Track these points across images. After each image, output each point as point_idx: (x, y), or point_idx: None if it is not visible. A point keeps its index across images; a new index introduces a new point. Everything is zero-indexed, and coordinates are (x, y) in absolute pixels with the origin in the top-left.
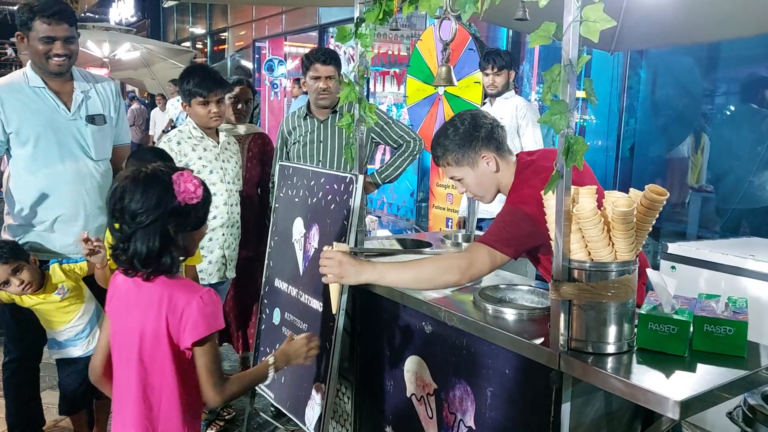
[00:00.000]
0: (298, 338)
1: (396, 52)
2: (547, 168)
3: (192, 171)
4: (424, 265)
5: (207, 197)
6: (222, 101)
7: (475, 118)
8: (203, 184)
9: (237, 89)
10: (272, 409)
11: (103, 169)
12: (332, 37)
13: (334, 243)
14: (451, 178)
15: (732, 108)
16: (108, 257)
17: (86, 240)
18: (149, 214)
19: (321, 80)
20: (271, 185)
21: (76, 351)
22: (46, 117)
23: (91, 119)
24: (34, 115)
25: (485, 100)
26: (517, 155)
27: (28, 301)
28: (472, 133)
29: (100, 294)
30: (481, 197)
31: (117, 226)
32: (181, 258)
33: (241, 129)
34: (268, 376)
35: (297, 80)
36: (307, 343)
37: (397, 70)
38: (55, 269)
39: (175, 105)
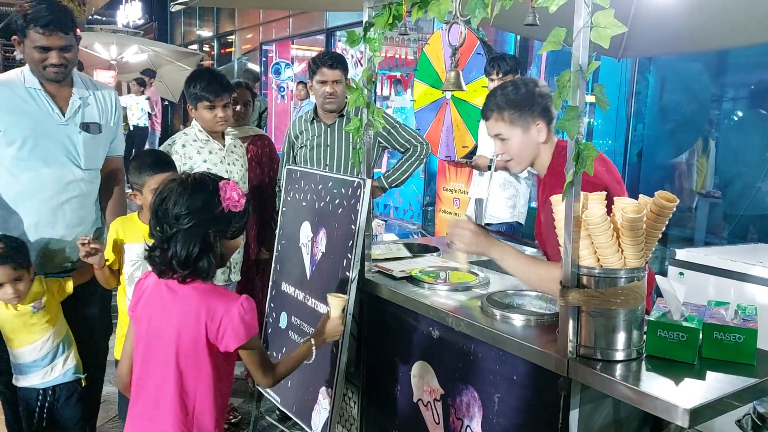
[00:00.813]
0: (332, 318)
1: (403, 56)
2: None
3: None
4: (542, 270)
5: (248, 209)
6: (228, 105)
7: (538, 85)
8: (246, 196)
9: (236, 92)
10: (277, 412)
11: (91, 178)
12: (339, 40)
13: (464, 215)
14: (496, 135)
15: (740, 114)
16: (105, 258)
17: (83, 243)
18: (193, 216)
19: (328, 84)
20: (277, 189)
21: (32, 378)
22: (36, 119)
23: (86, 127)
24: (24, 116)
25: None
26: None
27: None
28: (533, 98)
29: (78, 317)
30: (515, 164)
31: (158, 228)
32: (217, 266)
33: (243, 131)
34: (311, 355)
35: (301, 83)
36: (341, 323)
37: (404, 74)
38: (40, 279)
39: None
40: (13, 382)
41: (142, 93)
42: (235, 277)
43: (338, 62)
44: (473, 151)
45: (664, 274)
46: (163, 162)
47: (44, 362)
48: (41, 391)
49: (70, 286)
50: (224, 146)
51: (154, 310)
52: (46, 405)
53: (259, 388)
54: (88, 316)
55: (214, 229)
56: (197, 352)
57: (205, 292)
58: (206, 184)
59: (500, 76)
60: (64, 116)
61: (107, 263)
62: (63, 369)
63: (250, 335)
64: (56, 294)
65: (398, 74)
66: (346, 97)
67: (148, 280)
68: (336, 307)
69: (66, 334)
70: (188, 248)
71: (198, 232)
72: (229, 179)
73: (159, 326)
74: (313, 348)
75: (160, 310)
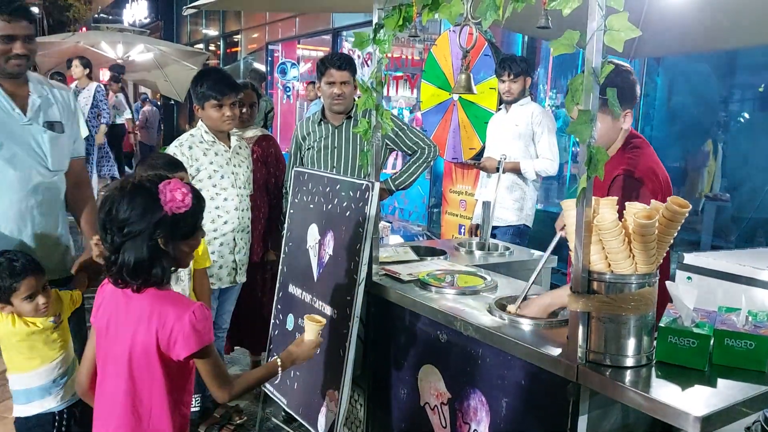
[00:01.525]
0: (306, 341)
1: (409, 57)
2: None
3: (192, 177)
4: None
5: (198, 205)
6: (235, 105)
7: (632, 74)
8: (193, 191)
9: (241, 93)
10: (283, 414)
11: (58, 180)
12: (346, 40)
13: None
14: None
15: (748, 116)
16: None
17: (97, 243)
18: (136, 225)
19: (336, 86)
20: (284, 192)
21: (48, 402)
22: None
23: (50, 126)
24: None
25: (501, 107)
26: None
27: (19, 327)
28: (628, 87)
29: (74, 326)
30: None
31: (107, 238)
32: (173, 268)
33: (248, 132)
34: (275, 375)
35: (311, 83)
36: (315, 347)
37: (410, 74)
38: (57, 293)
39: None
40: (17, 414)
41: (121, 90)
42: (241, 278)
43: (347, 63)
44: (480, 153)
45: (671, 278)
46: (174, 164)
47: (63, 380)
48: (56, 415)
49: (79, 297)
50: (230, 147)
51: (111, 316)
52: (71, 428)
53: (265, 389)
54: (83, 324)
55: (162, 234)
56: (149, 360)
57: (158, 298)
58: (145, 189)
59: (511, 77)
60: (25, 115)
61: None
62: None
63: (201, 344)
64: (69, 306)
65: (402, 74)
66: (354, 99)
67: (107, 286)
68: (311, 330)
69: (72, 347)
70: (137, 257)
71: (144, 240)
72: (171, 178)
73: (115, 333)
74: (279, 369)
75: (116, 316)
